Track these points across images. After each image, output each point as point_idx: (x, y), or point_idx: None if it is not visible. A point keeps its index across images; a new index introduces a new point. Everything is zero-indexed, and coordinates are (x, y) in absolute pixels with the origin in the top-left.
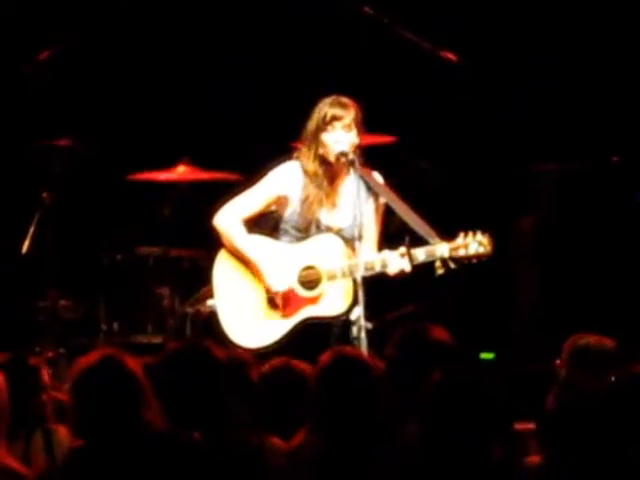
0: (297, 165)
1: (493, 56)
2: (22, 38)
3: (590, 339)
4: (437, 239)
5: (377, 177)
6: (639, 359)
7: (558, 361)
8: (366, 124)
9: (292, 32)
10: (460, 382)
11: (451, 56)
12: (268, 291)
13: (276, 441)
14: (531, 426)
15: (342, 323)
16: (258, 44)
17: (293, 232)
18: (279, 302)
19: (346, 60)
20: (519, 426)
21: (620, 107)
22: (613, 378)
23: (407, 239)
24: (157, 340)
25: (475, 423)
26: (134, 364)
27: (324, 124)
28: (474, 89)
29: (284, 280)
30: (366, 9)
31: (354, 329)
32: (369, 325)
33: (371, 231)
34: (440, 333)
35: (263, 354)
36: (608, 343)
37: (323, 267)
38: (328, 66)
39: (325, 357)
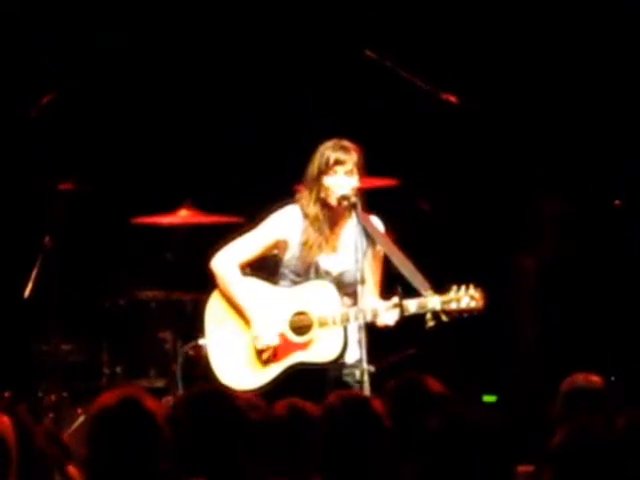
0: (297, 209)
1: (494, 98)
2: (24, 81)
3: (578, 378)
4: (430, 291)
5: (377, 222)
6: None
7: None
8: (367, 167)
9: (294, 75)
10: (460, 426)
11: (452, 98)
12: (257, 344)
13: None
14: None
15: (339, 367)
16: (260, 88)
17: (292, 276)
18: (268, 355)
19: (348, 103)
20: (522, 468)
21: (622, 150)
22: (622, 421)
23: (400, 289)
24: (160, 384)
25: (476, 466)
26: (156, 406)
27: (327, 168)
28: (475, 131)
29: (274, 330)
30: (368, 52)
31: (356, 372)
32: (372, 368)
33: (370, 278)
34: (433, 384)
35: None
36: (597, 381)
37: (315, 313)
38: (330, 109)
39: (332, 399)
